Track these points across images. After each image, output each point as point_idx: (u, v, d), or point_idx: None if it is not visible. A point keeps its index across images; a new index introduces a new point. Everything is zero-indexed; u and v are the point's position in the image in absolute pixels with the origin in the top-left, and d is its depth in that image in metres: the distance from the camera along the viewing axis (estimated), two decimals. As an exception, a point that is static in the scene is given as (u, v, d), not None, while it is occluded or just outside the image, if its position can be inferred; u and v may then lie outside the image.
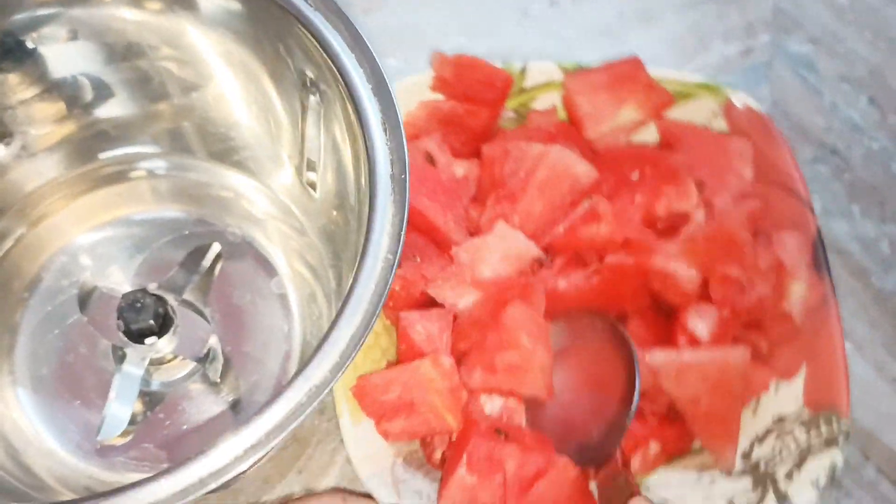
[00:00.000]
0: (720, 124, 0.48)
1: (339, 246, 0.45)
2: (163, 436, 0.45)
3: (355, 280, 0.33)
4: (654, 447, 0.44)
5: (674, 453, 0.44)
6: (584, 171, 0.45)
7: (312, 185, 0.46)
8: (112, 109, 0.47)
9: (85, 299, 0.44)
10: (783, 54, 0.62)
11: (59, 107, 0.46)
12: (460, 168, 0.48)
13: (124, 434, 0.43)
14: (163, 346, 0.43)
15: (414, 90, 0.49)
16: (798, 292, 0.44)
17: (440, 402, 0.41)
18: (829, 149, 0.59)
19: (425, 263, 0.45)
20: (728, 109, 0.48)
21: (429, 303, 0.44)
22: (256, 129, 0.47)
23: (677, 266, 0.43)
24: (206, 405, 0.46)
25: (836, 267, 0.56)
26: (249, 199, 0.50)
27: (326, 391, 0.31)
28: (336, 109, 0.40)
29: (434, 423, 0.41)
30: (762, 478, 0.42)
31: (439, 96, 0.49)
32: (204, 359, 0.45)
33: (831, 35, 0.63)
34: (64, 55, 0.44)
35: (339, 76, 0.37)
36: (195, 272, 0.46)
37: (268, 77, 0.44)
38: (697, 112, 0.49)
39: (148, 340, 0.42)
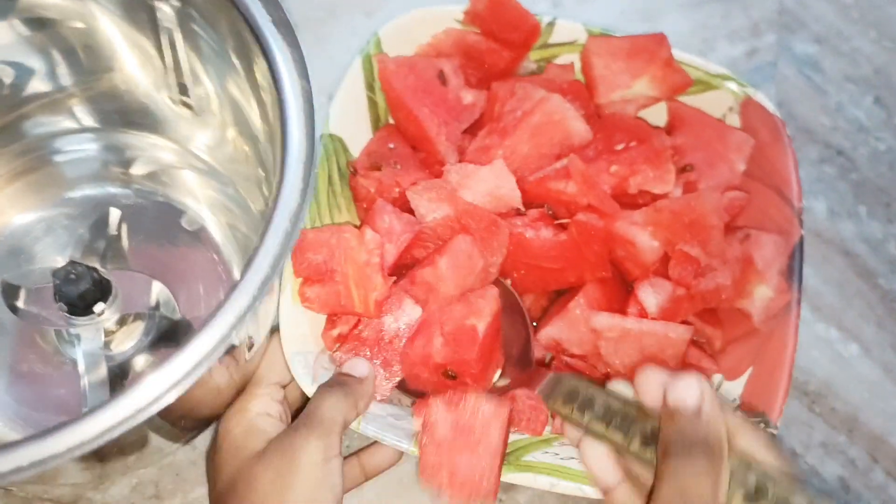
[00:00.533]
0: (734, 120, 0.48)
1: (252, 168, 0.46)
2: None
3: (270, 216, 0.34)
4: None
5: None
6: (578, 128, 0.45)
7: (190, 106, 0.47)
8: (33, 88, 0.48)
9: (13, 301, 0.44)
10: (788, 54, 0.62)
11: None
12: (469, 95, 0.48)
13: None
14: (111, 312, 0.43)
15: (443, 18, 0.49)
16: (763, 295, 0.44)
17: (353, 273, 0.41)
18: (835, 149, 0.59)
19: (404, 172, 0.46)
20: (744, 106, 0.48)
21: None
22: (145, 81, 0.48)
23: (639, 234, 0.43)
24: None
25: (844, 268, 0.56)
26: (153, 155, 0.51)
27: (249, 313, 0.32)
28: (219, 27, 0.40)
29: (343, 298, 0.41)
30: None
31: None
32: (156, 308, 0.45)
33: (836, 34, 0.63)
34: None
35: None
36: (105, 240, 0.46)
37: (127, 22, 0.44)
38: (714, 104, 0.49)
39: (97, 308, 0.42)
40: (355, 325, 0.42)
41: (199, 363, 0.31)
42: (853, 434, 0.52)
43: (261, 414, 0.40)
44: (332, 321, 0.43)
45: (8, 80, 0.47)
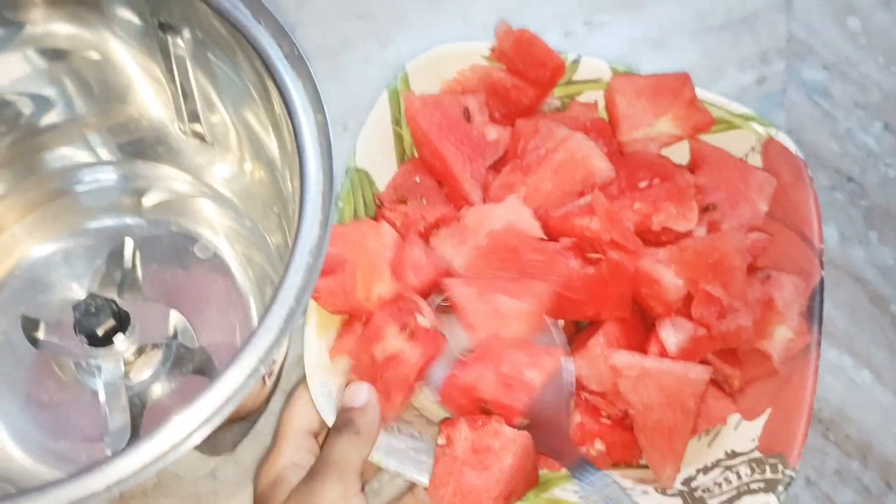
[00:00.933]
0: (756, 159, 0.49)
1: (269, 198, 0.47)
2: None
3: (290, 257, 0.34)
4: (598, 445, 0.45)
5: (618, 460, 0.45)
6: (601, 166, 0.45)
7: (203, 137, 0.48)
8: (49, 119, 0.48)
9: (33, 334, 0.44)
10: (797, 81, 0.62)
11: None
12: (493, 132, 0.49)
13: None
14: (130, 343, 0.44)
15: (469, 54, 0.50)
16: (782, 336, 0.44)
17: (361, 262, 0.42)
18: (845, 175, 0.60)
19: (430, 206, 0.46)
20: (767, 146, 0.48)
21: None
22: (159, 111, 0.48)
23: (664, 272, 0.44)
24: (189, 385, 0.47)
25: (855, 294, 0.56)
26: (169, 185, 0.52)
27: (270, 360, 0.32)
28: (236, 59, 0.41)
29: (347, 286, 0.42)
30: (693, 503, 0.43)
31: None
32: (174, 337, 0.46)
33: (845, 60, 0.63)
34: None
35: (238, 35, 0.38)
36: (121, 271, 0.47)
37: (140, 51, 0.45)
38: (736, 143, 0.49)
39: (117, 339, 0.43)
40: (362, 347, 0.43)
41: (229, 399, 0.31)
42: (867, 460, 0.52)
43: (287, 465, 0.40)
44: (340, 342, 0.43)
45: (26, 111, 0.47)
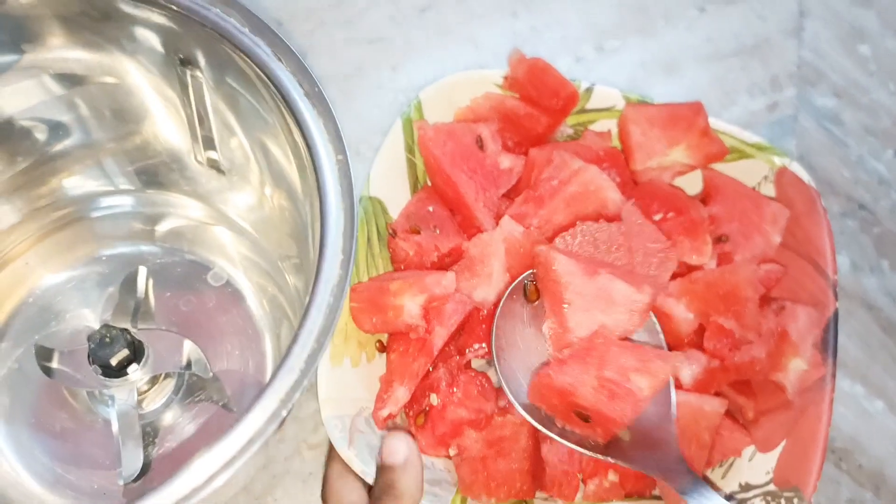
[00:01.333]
0: (768, 188, 0.49)
1: (287, 230, 0.47)
2: (169, 458, 0.45)
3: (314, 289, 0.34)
4: (611, 476, 0.44)
5: (631, 492, 0.45)
6: (613, 198, 0.45)
7: (216, 165, 0.48)
8: (64, 145, 0.48)
9: (46, 363, 0.44)
10: (808, 107, 0.62)
11: (14, 148, 0.47)
12: (507, 160, 0.49)
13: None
14: (143, 372, 0.44)
15: (483, 82, 0.50)
16: (797, 368, 0.44)
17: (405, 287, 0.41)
18: (856, 202, 0.59)
19: (443, 236, 0.46)
20: (780, 176, 0.48)
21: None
22: (176, 139, 0.49)
23: (675, 306, 0.44)
24: (201, 413, 0.47)
25: (867, 322, 0.56)
26: (184, 214, 0.52)
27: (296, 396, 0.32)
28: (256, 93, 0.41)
29: (393, 304, 0.42)
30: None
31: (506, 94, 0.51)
32: (187, 367, 0.46)
33: (855, 87, 0.63)
34: (12, 99, 0.45)
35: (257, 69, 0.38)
36: (134, 300, 0.47)
37: (158, 77, 0.45)
38: (749, 173, 0.49)
39: (131, 369, 0.43)
40: (409, 405, 0.43)
41: (250, 441, 0.31)
42: (880, 491, 0.51)
43: None
44: (381, 399, 0.43)
45: (41, 137, 0.48)
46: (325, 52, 0.61)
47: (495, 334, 0.43)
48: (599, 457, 0.40)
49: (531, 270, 0.44)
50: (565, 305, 0.41)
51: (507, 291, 0.44)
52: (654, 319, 0.43)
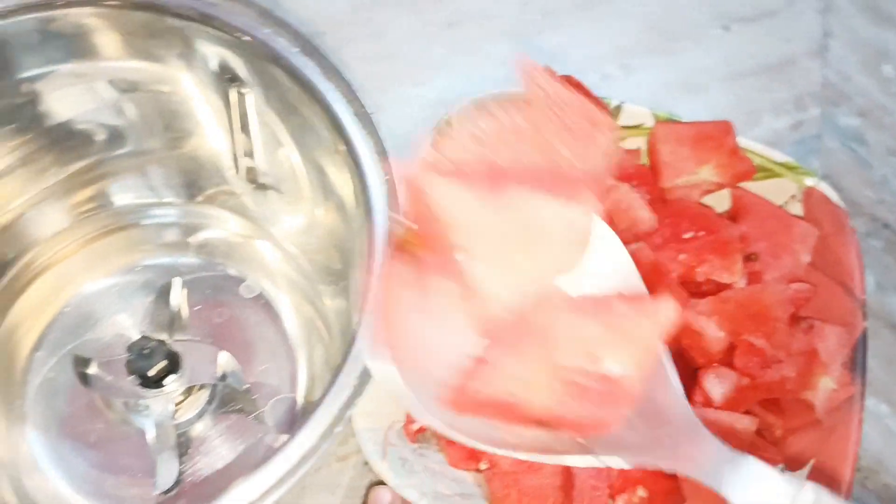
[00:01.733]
0: (796, 207, 0.49)
1: (328, 247, 0.47)
2: (202, 470, 0.46)
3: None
4: (640, 492, 0.44)
5: None
6: (644, 216, 0.46)
7: (261, 180, 0.48)
8: (116, 151, 0.49)
9: (83, 371, 0.45)
10: (832, 127, 0.63)
11: (69, 150, 0.48)
12: None
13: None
14: (179, 384, 0.45)
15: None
16: (826, 387, 0.44)
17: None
18: (880, 222, 0.60)
19: None
20: (808, 196, 0.49)
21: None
22: (223, 153, 0.49)
23: (707, 324, 0.44)
24: (233, 425, 0.47)
25: (892, 343, 0.56)
26: (226, 227, 0.53)
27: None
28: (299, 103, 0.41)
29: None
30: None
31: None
32: (223, 379, 0.46)
33: (879, 107, 0.64)
34: (68, 103, 0.46)
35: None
36: (170, 311, 0.48)
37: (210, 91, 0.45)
38: (777, 192, 0.50)
39: (168, 380, 0.44)
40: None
41: (303, 460, 0.31)
42: (906, 511, 0.51)
43: None
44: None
45: (96, 141, 0.48)
46: (353, 66, 0.62)
47: (383, 319, 0.31)
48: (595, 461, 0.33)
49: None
50: (459, 257, 0.27)
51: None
52: (614, 238, 0.29)
